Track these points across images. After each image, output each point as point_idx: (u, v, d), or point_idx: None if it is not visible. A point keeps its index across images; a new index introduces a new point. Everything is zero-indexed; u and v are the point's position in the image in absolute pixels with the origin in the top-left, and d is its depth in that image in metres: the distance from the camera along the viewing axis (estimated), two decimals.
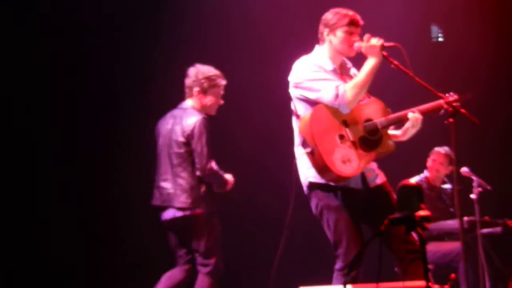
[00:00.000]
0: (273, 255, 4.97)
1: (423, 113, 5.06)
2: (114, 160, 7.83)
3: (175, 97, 6.45)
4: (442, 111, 4.99)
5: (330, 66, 5.02)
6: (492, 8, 8.76)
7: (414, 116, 5.03)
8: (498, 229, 7.03)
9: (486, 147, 8.40)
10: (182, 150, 6.13)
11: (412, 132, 5.08)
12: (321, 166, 4.75)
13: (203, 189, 6.12)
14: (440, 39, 9.18)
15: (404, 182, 4.59)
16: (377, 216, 4.73)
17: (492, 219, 7.05)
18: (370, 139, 4.92)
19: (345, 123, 4.86)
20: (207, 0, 8.27)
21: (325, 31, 5.03)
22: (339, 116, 4.87)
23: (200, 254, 6.14)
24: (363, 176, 4.93)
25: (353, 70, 5.17)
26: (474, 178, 6.82)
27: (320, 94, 4.85)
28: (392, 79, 5.56)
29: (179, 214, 6.10)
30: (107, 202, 7.81)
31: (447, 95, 5.02)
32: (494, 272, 6.79)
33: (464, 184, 6.49)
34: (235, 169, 6.44)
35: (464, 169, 6.83)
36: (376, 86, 5.08)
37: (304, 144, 4.83)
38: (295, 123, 5.02)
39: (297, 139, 5.00)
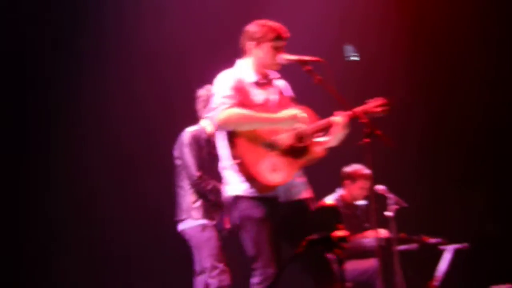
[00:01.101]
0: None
1: (356, 114, 5.00)
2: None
3: None
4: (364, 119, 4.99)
5: (253, 77, 4.98)
6: (407, 24, 8.92)
7: (340, 119, 4.98)
8: (414, 245, 7.15)
9: (401, 164, 8.52)
10: (178, 163, 6.25)
11: (340, 136, 5.02)
12: (249, 177, 4.72)
13: (193, 199, 6.14)
14: (355, 58, 9.29)
15: (321, 203, 4.64)
16: (293, 232, 4.77)
17: (408, 235, 7.16)
18: (297, 147, 4.90)
19: (272, 132, 4.84)
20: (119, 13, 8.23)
21: (251, 44, 4.98)
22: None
23: (200, 267, 6.14)
24: (287, 188, 4.89)
25: (279, 82, 5.13)
26: (390, 195, 6.92)
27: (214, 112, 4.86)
28: (311, 92, 5.57)
29: (178, 227, 6.25)
30: None
31: (370, 100, 5.09)
32: None
33: (380, 202, 6.62)
34: None
35: (381, 187, 6.92)
36: (305, 94, 5.14)
37: (232, 155, 4.78)
38: (220, 136, 4.95)
39: (222, 152, 4.94)
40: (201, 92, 6.32)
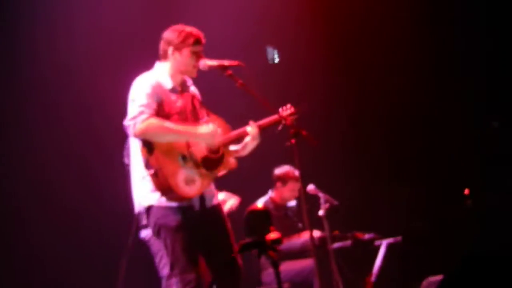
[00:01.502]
0: None
1: (262, 127, 5.12)
2: None
3: None
4: (281, 126, 5.08)
5: (169, 84, 4.94)
6: (322, 22, 9.01)
7: (252, 130, 5.06)
8: (348, 242, 7.20)
9: (328, 162, 8.58)
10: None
11: (251, 146, 5.12)
12: (165, 188, 4.69)
13: None
14: (276, 60, 9.32)
15: (252, 207, 4.63)
16: (209, 237, 4.86)
17: (341, 233, 7.21)
18: (212, 158, 4.92)
19: (188, 144, 4.84)
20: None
21: (170, 49, 4.94)
22: None
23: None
24: (202, 197, 4.90)
25: (192, 88, 5.13)
26: (320, 194, 6.95)
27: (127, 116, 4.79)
28: (232, 95, 5.60)
29: None
30: None
31: (283, 108, 5.18)
32: (348, 285, 6.92)
33: (311, 201, 6.65)
34: None
35: (310, 187, 6.95)
36: (216, 103, 5.14)
37: (147, 166, 4.74)
38: (135, 145, 4.89)
39: (136, 161, 4.88)
40: None
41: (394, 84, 8.91)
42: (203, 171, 4.84)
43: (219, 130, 4.94)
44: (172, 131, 4.78)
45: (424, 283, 6.06)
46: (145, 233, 6.00)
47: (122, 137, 5.01)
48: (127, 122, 4.72)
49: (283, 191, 7.50)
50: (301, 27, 8.93)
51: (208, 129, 4.88)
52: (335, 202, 7.00)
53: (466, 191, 8.48)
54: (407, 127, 8.99)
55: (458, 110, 8.84)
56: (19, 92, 7.76)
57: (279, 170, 7.52)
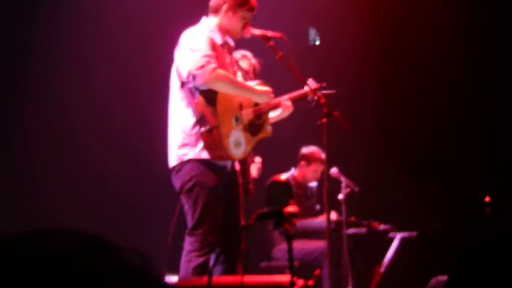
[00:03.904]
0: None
1: (292, 100, 5.22)
2: None
3: None
4: (313, 102, 5.09)
5: (219, 40, 4.95)
6: (366, 12, 8.99)
7: (286, 103, 5.16)
8: (363, 230, 7.21)
9: (355, 148, 8.59)
10: None
11: (282, 116, 5.25)
12: (218, 146, 4.71)
13: None
14: (318, 42, 9.29)
15: (274, 178, 4.67)
16: (228, 201, 4.90)
17: (358, 220, 7.23)
18: (256, 124, 4.99)
19: (241, 106, 4.89)
20: None
21: (224, 6, 4.94)
22: (236, 97, 4.88)
23: None
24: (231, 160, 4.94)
25: (234, 53, 5.19)
26: (342, 179, 6.97)
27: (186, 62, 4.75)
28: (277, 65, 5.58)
29: None
30: None
31: (310, 82, 5.20)
32: (357, 272, 6.95)
33: (332, 184, 6.66)
34: None
35: (334, 170, 6.96)
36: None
37: (202, 121, 4.74)
38: (181, 98, 4.85)
39: (181, 114, 4.84)
40: None
41: (433, 79, 8.88)
42: (248, 135, 4.90)
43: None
44: (239, 85, 4.86)
45: (433, 280, 6.07)
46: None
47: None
48: (194, 71, 4.65)
49: (306, 170, 7.52)
50: (345, 15, 8.92)
51: (266, 89, 4.93)
52: (356, 188, 7.01)
53: (487, 199, 8.44)
54: (438, 125, 8.95)
55: (489, 114, 8.79)
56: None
57: (306, 149, 7.54)
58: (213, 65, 4.66)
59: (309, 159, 7.51)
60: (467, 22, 8.72)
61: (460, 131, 8.87)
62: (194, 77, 4.66)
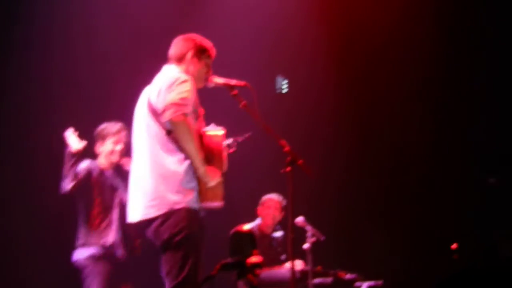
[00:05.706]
0: None
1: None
2: None
3: None
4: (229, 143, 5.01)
5: None
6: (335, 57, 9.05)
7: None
8: (329, 279, 7.13)
9: (322, 197, 8.57)
10: None
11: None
12: (216, 192, 4.63)
13: None
14: (285, 90, 9.35)
15: (237, 228, 4.60)
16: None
17: (324, 269, 7.15)
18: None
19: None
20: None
21: (189, 54, 4.88)
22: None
23: None
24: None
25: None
26: (308, 228, 6.90)
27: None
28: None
29: None
30: None
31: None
32: None
33: (298, 234, 6.60)
34: None
35: (299, 219, 6.90)
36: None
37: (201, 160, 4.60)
38: (173, 144, 4.65)
39: (176, 161, 4.64)
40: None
41: (400, 123, 8.95)
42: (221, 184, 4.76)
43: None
44: (195, 147, 4.59)
45: None
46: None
47: None
48: (169, 104, 4.52)
49: (263, 216, 7.53)
50: (314, 62, 8.97)
51: (217, 178, 4.69)
52: (322, 237, 6.95)
53: (454, 245, 8.45)
54: (405, 174, 8.99)
55: (458, 163, 8.84)
56: None
57: (264, 197, 7.59)
58: (187, 111, 4.55)
59: (262, 203, 7.56)
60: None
61: (428, 179, 8.91)
62: (166, 109, 4.53)
